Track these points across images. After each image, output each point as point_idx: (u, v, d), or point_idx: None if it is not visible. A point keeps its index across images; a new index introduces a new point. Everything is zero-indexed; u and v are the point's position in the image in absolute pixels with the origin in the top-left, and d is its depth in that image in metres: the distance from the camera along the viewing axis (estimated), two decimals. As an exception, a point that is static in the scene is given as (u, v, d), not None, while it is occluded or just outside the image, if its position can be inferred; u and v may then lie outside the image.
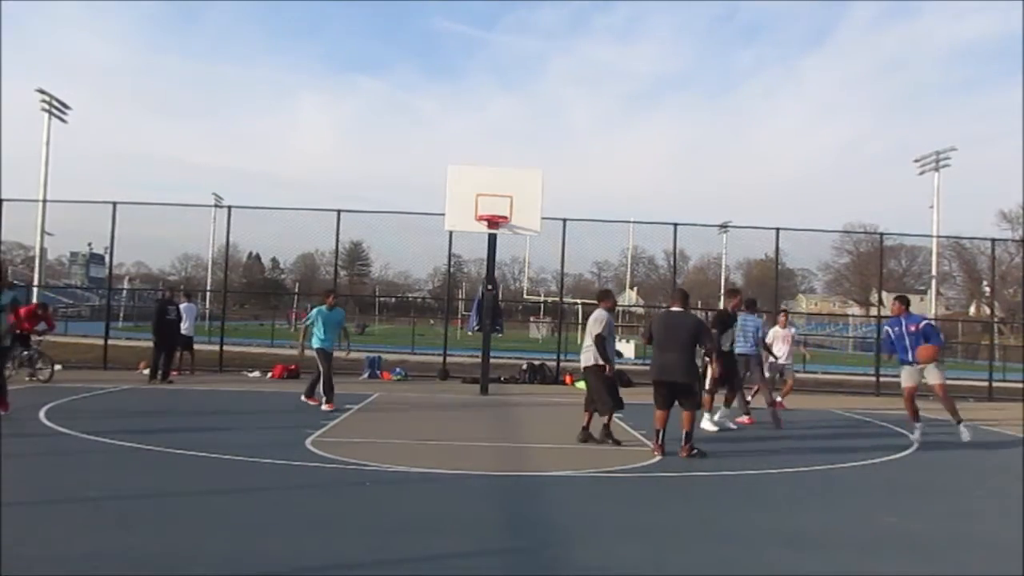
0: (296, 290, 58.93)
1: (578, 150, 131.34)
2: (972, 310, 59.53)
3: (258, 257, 68.02)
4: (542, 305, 45.23)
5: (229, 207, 18.00)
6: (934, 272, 33.39)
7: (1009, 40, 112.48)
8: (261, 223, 18.56)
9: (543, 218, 14.77)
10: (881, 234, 21.18)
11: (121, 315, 37.30)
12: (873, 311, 40.79)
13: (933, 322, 9.61)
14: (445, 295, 24.55)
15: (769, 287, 26.03)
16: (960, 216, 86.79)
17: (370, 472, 6.76)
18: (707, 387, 9.97)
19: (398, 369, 17.22)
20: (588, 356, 8.76)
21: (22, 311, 12.19)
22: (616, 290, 33.94)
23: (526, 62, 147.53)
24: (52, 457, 7.21)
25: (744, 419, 10.95)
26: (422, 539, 4.82)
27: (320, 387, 10.97)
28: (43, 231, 24.11)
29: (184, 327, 15.15)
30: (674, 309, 8.49)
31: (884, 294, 20.80)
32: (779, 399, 12.41)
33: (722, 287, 36.50)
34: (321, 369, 10.99)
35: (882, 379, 17.62)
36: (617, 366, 9.29)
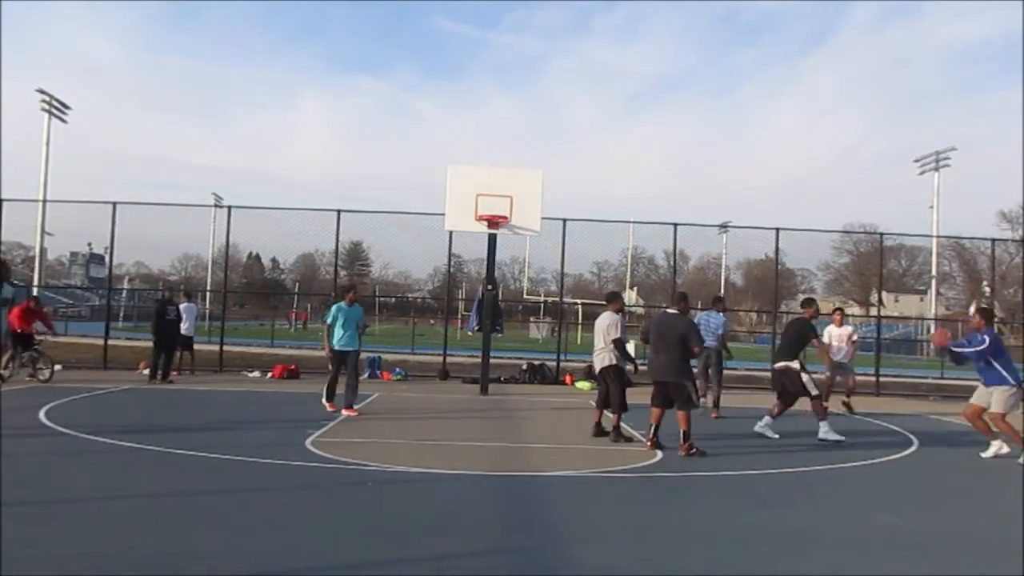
0: (296, 290, 58.98)
1: (578, 150, 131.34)
2: (972, 310, 59.42)
3: (258, 257, 67.98)
4: (542, 305, 45.27)
5: (229, 207, 17.99)
6: (934, 272, 33.43)
7: (1009, 40, 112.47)
8: (261, 223, 18.51)
9: (543, 218, 14.76)
10: (881, 234, 21.17)
11: (121, 315, 37.30)
12: (873, 311, 40.78)
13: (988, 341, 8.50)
14: (445, 295, 24.56)
15: (769, 287, 26.03)
16: (960, 216, 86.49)
17: (370, 472, 6.76)
18: (815, 393, 9.36)
19: (398, 369, 17.21)
20: (604, 358, 9.08)
21: (15, 311, 12.20)
22: (616, 290, 33.97)
23: (526, 62, 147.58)
24: (52, 457, 7.21)
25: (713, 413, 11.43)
26: (422, 539, 4.83)
27: (346, 392, 10.53)
28: (43, 231, 24.14)
29: (184, 327, 15.14)
30: (669, 311, 8.74)
31: (884, 294, 20.82)
32: (844, 399, 12.62)
33: (722, 287, 36.51)
34: (333, 370, 10.63)
35: (882, 379, 17.65)
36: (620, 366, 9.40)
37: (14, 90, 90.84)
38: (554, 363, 17.82)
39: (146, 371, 14.56)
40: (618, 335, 9.00)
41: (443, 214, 14.63)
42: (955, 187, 75.45)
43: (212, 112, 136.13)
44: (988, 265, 22.17)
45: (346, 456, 7.34)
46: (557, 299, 23.24)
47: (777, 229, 17.78)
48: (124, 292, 43.10)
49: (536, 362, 17.96)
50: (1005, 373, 8.48)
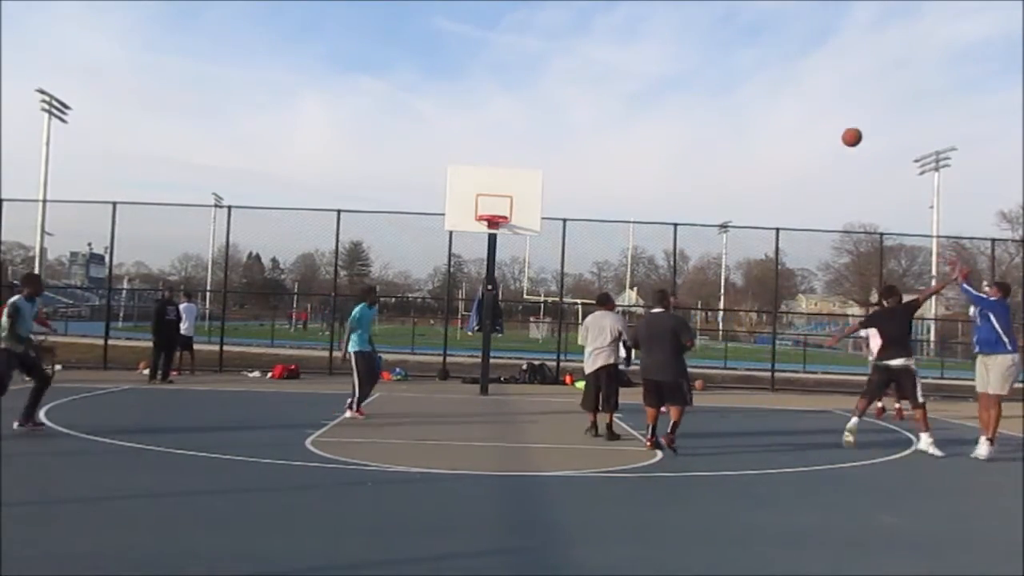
0: (296, 290, 58.94)
1: (578, 150, 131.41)
2: (972, 310, 59.42)
3: (258, 257, 67.88)
4: (542, 305, 45.18)
5: (229, 207, 18.01)
6: (934, 272, 33.40)
7: (1009, 40, 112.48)
8: (261, 223, 18.52)
9: (543, 218, 14.77)
10: (881, 234, 21.14)
11: (121, 315, 37.30)
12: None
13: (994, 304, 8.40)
14: (445, 295, 24.57)
15: (769, 287, 26.02)
16: (960, 216, 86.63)
17: (370, 472, 6.76)
18: (920, 399, 8.74)
19: (398, 369, 17.20)
20: (604, 356, 9.05)
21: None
22: (616, 290, 33.97)
23: (527, 62, 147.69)
24: (52, 457, 7.21)
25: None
26: (422, 539, 4.82)
27: (358, 396, 10.13)
28: (43, 231, 24.19)
29: (184, 327, 15.14)
30: (656, 311, 8.78)
31: (884, 294, 20.77)
32: (897, 405, 11.83)
33: (722, 287, 36.49)
34: (357, 374, 10.09)
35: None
36: (620, 367, 9.42)
37: (14, 90, 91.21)
38: (554, 363, 17.83)
39: (146, 371, 14.57)
40: (625, 329, 9.11)
41: (443, 214, 14.63)
42: (955, 187, 75.59)
43: (212, 112, 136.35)
44: (988, 265, 22.10)
45: (346, 456, 7.33)
46: (557, 299, 23.23)
47: (777, 229, 17.80)
48: (124, 292, 43.07)
49: (536, 362, 17.97)
50: (1003, 335, 8.32)
